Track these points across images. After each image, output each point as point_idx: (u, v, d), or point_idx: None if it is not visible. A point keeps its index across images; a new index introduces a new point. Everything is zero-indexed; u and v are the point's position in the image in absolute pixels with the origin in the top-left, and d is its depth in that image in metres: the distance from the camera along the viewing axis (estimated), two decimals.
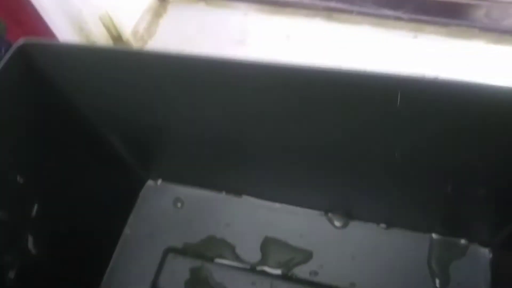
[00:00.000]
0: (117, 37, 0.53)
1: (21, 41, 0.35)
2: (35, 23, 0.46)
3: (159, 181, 0.54)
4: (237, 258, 0.48)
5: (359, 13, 0.50)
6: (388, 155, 0.34)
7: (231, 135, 0.42)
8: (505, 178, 0.34)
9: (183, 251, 0.49)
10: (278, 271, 0.46)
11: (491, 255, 0.44)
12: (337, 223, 0.48)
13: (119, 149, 0.48)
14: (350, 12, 0.50)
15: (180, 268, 0.48)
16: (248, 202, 0.51)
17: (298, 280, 0.46)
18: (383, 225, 0.47)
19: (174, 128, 0.44)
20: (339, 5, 0.51)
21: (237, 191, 0.52)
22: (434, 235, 0.46)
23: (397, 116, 0.30)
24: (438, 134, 0.32)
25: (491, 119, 0.29)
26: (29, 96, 0.36)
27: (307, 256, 0.47)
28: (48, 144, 0.39)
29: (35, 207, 0.36)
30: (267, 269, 0.47)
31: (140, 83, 0.36)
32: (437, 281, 0.44)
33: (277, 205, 0.50)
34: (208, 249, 0.49)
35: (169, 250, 0.49)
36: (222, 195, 0.52)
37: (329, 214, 0.49)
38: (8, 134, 0.35)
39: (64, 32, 0.48)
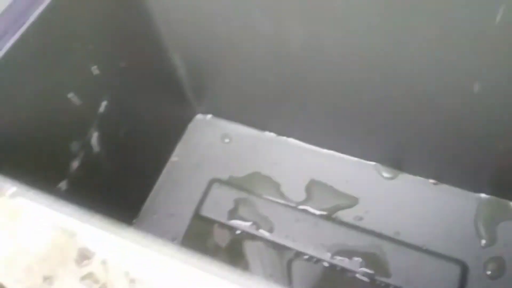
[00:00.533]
0: None
1: None
2: None
3: (209, 116, 0.55)
4: (281, 196, 0.48)
5: None
6: (466, 86, 0.34)
7: (287, 74, 0.42)
8: None
9: (228, 183, 0.49)
10: (322, 212, 0.46)
11: None
12: (386, 174, 0.48)
13: (179, 73, 0.48)
14: None
15: (225, 198, 0.48)
16: (296, 145, 0.51)
17: (342, 223, 0.46)
18: (432, 181, 0.47)
19: (234, 60, 0.44)
20: None
21: (285, 133, 0.52)
22: (483, 195, 0.46)
23: (494, 34, 0.29)
24: None
25: None
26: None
27: (352, 201, 0.47)
28: (123, 48, 0.40)
29: (104, 103, 0.37)
30: (311, 209, 0.47)
31: None
32: (483, 241, 0.44)
33: (324, 151, 0.50)
34: (252, 184, 0.49)
35: (214, 181, 0.50)
36: (271, 136, 0.52)
37: (378, 165, 0.49)
38: (92, 28, 0.35)
39: None
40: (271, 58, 0.41)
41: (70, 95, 0.34)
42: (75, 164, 0.35)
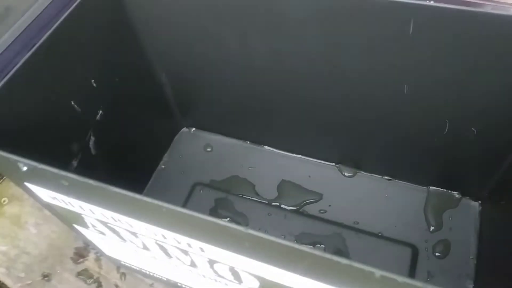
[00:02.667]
0: None
1: None
2: None
3: (193, 129, 0.60)
4: (256, 194, 0.54)
5: None
6: (397, 89, 0.41)
7: (256, 89, 0.50)
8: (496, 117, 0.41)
9: (209, 186, 0.56)
10: (291, 207, 0.53)
11: (480, 208, 0.50)
12: (347, 173, 0.55)
13: (166, 91, 0.55)
14: None
15: (206, 198, 0.55)
16: (269, 152, 0.57)
17: (309, 215, 0.52)
18: (386, 177, 0.54)
19: (212, 78, 0.51)
20: None
21: (260, 142, 0.58)
22: (431, 188, 0.52)
23: (409, 45, 0.37)
24: (448, 63, 0.37)
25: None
26: (106, 25, 0.43)
27: (317, 197, 0.53)
28: (117, 67, 0.46)
29: (100, 112, 0.43)
30: (281, 205, 0.53)
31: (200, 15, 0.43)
32: (431, 227, 0.50)
33: (294, 155, 0.57)
34: (231, 185, 0.55)
35: (197, 184, 0.56)
36: (246, 144, 0.58)
37: (340, 165, 0.55)
38: (92, 48, 0.42)
39: None
40: (242, 75, 0.47)
41: (73, 102, 0.41)
42: (75, 162, 0.42)
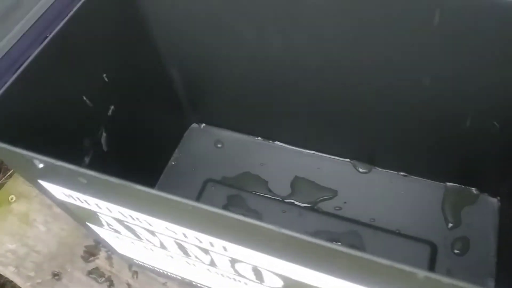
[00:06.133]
0: None
1: None
2: None
3: (203, 125, 0.59)
4: (269, 191, 0.53)
5: None
6: (417, 83, 0.40)
7: (271, 84, 0.48)
8: None
9: (221, 182, 0.55)
10: (306, 204, 0.52)
11: (499, 204, 0.49)
12: (361, 169, 0.54)
13: (176, 86, 0.54)
14: None
15: (218, 195, 0.54)
16: (281, 148, 0.56)
17: (324, 212, 0.51)
18: (402, 173, 0.53)
19: (224, 73, 0.50)
20: None
21: (271, 138, 0.57)
22: (448, 184, 0.51)
23: (433, 36, 0.36)
24: (471, 56, 0.36)
25: None
26: (118, 18, 0.42)
27: (332, 194, 0.52)
28: (128, 62, 0.45)
29: (111, 108, 0.42)
30: (295, 202, 0.52)
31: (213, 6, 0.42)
32: (449, 224, 0.49)
33: (306, 151, 0.56)
34: (243, 182, 0.54)
35: (209, 181, 0.55)
36: (258, 140, 0.57)
37: (354, 161, 0.54)
38: (101, 43, 0.41)
39: None
40: (256, 68, 0.46)
41: (85, 97, 0.40)
42: (87, 159, 0.41)
